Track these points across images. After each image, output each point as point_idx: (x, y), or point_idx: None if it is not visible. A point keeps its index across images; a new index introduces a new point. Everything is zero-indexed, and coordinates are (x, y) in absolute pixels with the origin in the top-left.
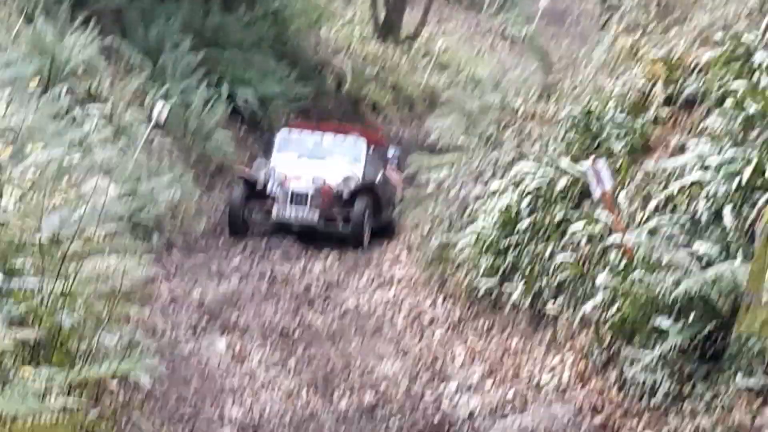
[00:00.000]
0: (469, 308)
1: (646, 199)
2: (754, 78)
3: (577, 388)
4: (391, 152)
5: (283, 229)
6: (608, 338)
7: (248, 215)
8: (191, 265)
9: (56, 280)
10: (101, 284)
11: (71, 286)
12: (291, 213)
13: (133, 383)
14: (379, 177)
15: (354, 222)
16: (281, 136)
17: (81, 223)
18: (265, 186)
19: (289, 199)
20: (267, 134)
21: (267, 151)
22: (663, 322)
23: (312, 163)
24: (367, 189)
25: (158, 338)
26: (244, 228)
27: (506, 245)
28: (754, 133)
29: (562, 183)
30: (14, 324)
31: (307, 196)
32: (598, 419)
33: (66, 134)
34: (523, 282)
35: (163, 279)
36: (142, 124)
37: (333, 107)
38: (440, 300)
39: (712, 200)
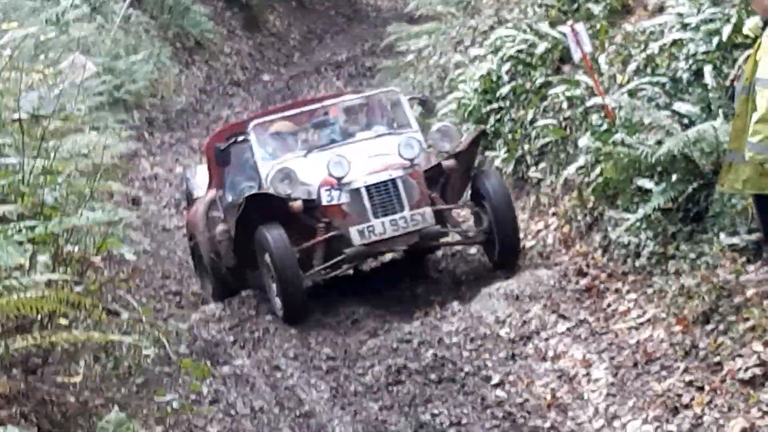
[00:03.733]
0: None
1: (626, 61)
2: None
3: (561, 252)
4: None
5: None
6: (591, 202)
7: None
8: (172, 142)
9: (37, 157)
10: (82, 161)
11: (52, 163)
12: (385, 227)
13: (118, 259)
14: None
15: (499, 211)
16: (257, 137)
17: (60, 101)
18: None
19: (368, 202)
20: (184, 178)
21: (189, 194)
22: (646, 183)
23: (341, 150)
24: (470, 149)
25: (142, 213)
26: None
27: (487, 111)
28: None
29: (541, 48)
30: None
31: (396, 185)
32: (583, 282)
33: (42, 12)
34: (505, 148)
35: (145, 155)
36: (119, 2)
37: None
38: None
39: (692, 60)
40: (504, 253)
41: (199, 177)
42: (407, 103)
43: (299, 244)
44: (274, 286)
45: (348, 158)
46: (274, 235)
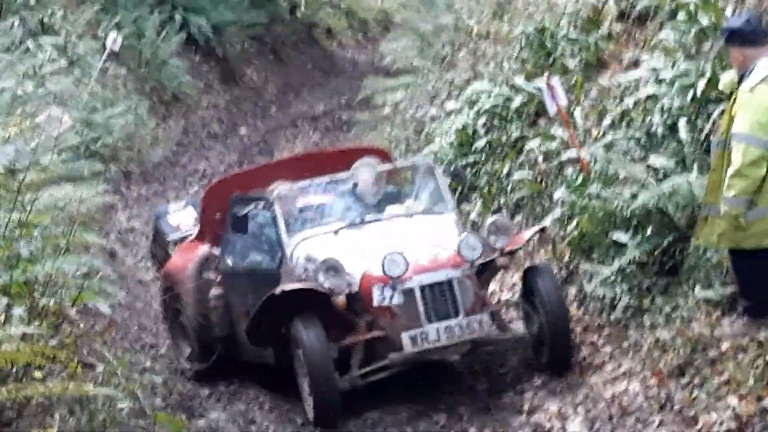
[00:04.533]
0: None
1: (602, 115)
2: None
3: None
4: None
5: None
6: (567, 255)
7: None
8: (149, 195)
9: (12, 210)
10: (58, 213)
11: (28, 215)
12: (440, 334)
13: (93, 312)
14: None
15: (551, 316)
16: (281, 209)
17: (36, 153)
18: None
19: (421, 304)
20: (155, 215)
21: (158, 235)
22: (621, 236)
23: (374, 232)
24: None
25: (118, 266)
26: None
27: (463, 165)
28: (707, 46)
29: (517, 101)
30: None
31: (452, 287)
32: None
33: (19, 65)
34: (481, 201)
35: (121, 208)
36: (96, 55)
37: (287, 33)
38: None
39: (666, 114)
40: (554, 361)
41: (173, 217)
42: (442, 176)
43: (336, 339)
44: (306, 385)
45: (405, 256)
46: (310, 333)
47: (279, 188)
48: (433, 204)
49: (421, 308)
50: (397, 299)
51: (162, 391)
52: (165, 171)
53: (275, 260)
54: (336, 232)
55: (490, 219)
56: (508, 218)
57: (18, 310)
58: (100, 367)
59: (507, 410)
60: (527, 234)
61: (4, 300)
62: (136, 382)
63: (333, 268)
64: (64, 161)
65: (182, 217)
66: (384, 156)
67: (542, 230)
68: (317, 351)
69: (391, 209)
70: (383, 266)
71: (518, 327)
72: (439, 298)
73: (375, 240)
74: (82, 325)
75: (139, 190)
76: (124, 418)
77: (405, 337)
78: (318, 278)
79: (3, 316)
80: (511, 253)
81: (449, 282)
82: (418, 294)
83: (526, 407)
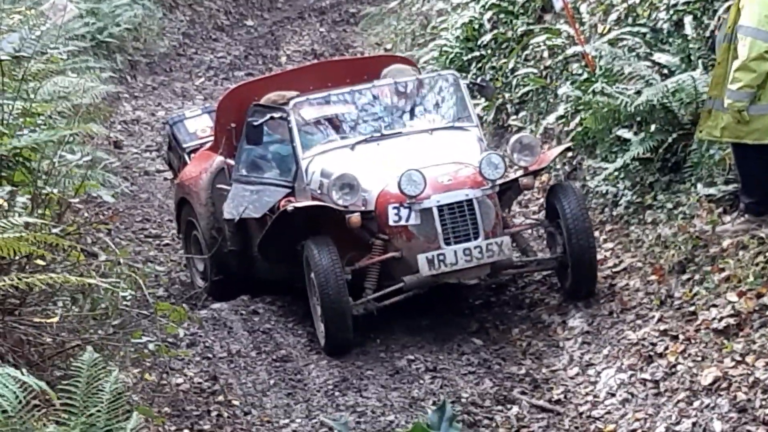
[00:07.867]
0: None
1: (608, 11)
2: None
3: (539, 200)
4: None
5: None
6: (570, 151)
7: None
8: (155, 86)
9: (17, 98)
10: (63, 103)
11: (32, 104)
12: (458, 257)
13: (97, 201)
14: None
15: (575, 237)
16: (296, 120)
17: (41, 42)
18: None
19: (439, 225)
20: (169, 122)
21: (174, 143)
22: (625, 133)
23: (393, 147)
24: None
25: (123, 156)
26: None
27: (469, 59)
28: None
29: None
30: None
31: (472, 207)
32: None
33: None
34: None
35: (127, 99)
36: None
37: None
38: None
39: (672, 10)
40: (577, 285)
41: (190, 124)
42: (467, 90)
43: (350, 261)
44: (319, 309)
45: (424, 174)
46: (323, 255)
47: (295, 100)
48: (456, 118)
49: (439, 229)
50: (414, 219)
51: (164, 281)
52: (171, 62)
53: (290, 174)
54: (353, 147)
55: (516, 136)
56: (535, 137)
57: (21, 199)
58: (102, 256)
59: (508, 305)
60: (553, 153)
61: (8, 188)
62: (138, 271)
63: (348, 184)
64: (69, 51)
65: (198, 124)
66: (411, 66)
67: (568, 149)
68: (330, 275)
69: (413, 123)
70: (399, 184)
71: (543, 250)
72: (459, 219)
73: (393, 156)
74: (85, 214)
75: (145, 80)
76: (126, 307)
77: (421, 259)
78: (332, 195)
79: (6, 205)
80: (536, 173)
81: (469, 202)
82: (436, 214)
83: (526, 302)
